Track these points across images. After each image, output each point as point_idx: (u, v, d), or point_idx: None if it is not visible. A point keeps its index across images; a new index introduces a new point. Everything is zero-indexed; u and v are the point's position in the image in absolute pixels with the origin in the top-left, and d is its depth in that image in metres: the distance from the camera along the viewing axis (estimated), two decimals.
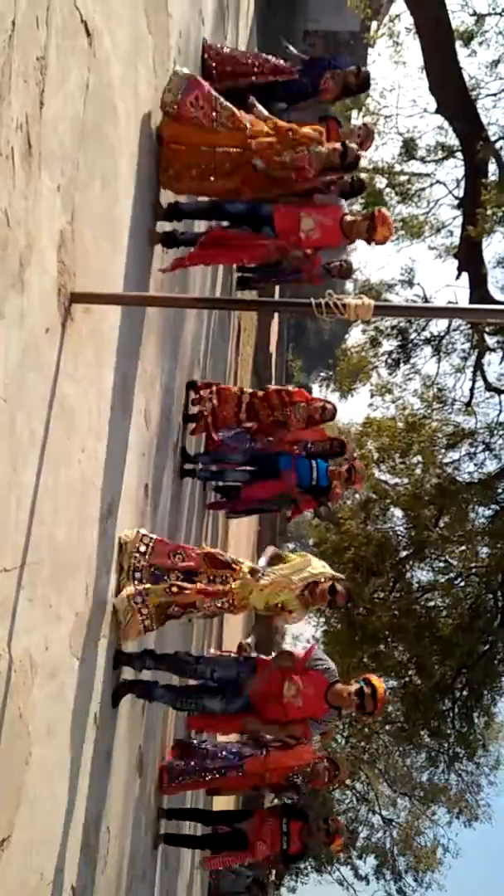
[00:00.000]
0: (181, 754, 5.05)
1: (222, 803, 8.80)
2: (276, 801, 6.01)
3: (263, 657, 4.14)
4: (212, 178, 4.12)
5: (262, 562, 3.82)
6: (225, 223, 4.66)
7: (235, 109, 4.11)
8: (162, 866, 5.56)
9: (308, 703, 3.80)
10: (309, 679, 3.85)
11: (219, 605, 3.64)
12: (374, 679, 3.82)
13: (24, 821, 2.34)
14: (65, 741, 2.76)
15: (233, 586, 3.63)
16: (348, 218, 4.48)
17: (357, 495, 14.21)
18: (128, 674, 3.92)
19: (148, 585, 3.56)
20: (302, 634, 22.45)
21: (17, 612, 2.21)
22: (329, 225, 4.42)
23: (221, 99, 4.07)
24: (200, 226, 5.06)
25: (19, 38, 1.99)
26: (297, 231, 4.38)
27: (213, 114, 4.02)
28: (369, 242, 4.53)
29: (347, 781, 19.17)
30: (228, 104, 4.08)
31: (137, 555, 3.65)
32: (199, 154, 4.05)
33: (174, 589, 3.58)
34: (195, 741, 5.19)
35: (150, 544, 3.72)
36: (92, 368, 2.89)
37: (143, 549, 3.69)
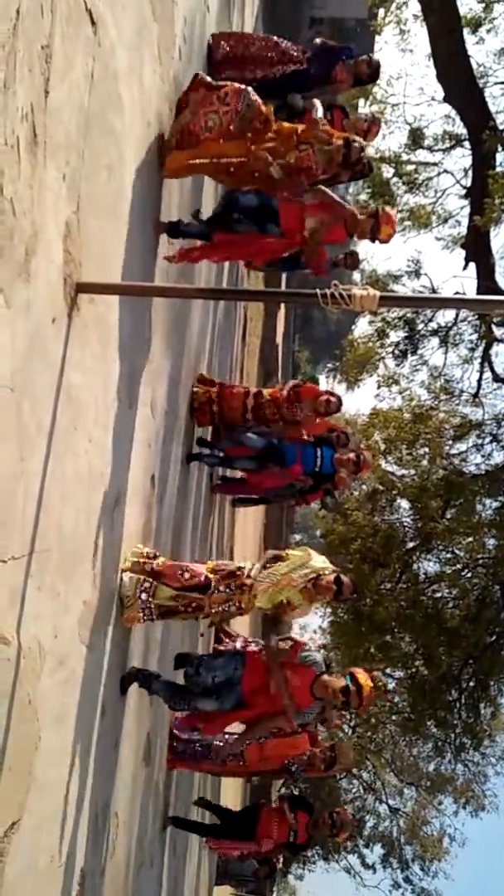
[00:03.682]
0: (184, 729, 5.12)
1: (229, 787, 8.86)
2: (282, 789, 6.05)
3: (252, 650, 4.17)
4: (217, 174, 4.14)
5: (257, 567, 3.82)
6: (234, 215, 4.64)
7: (259, 109, 4.01)
8: (170, 852, 5.62)
9: (294, 694, 3.83)
10: (297, 672, 3.88)
11: (226, 608, 3.69)
12: (361, 676, 3.83)
13: (34, 805, 2.37)
14: (73, 727, 2.79)
15: (238, 591, 3.68)
16: (354, 219, 4.49)
17: (364, 486, 14.22)
18: (135, 661, 3.95)
19: (156, 583, 3.60)
20: (309, 625, 22.52)
21: (26, 600, 2.23)
22: (333, 223, 4.43)
23: (247, 108, 3.96)
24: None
25: (24, 26, 1.99)
26: (302, 230, 4.39)
27: (237, 114, 3.94)
28: (373, 240, 4.54)
29: (354, 771, 19.28)
30: (254, 107, 3.97)
31: (147, 559, 3.70)
32: (203, 166, 4.07)
33: (183, 598, 3.63)
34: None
35: (158, 559, 3.76)
36: (98, 359, 2.90)
37: (152, 556, 3.74)
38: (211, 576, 3.69)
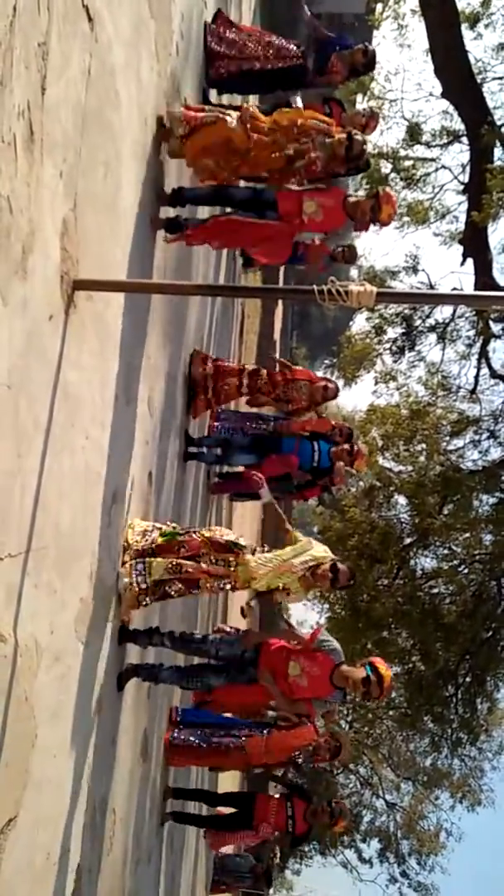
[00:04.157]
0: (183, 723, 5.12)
1: (227, 783, 8.90)
2: (278, 773, 6.09)
3: (268, 640, 4.18)
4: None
5: (258, 554, 3.80)
6: (228, 210, 4.65)
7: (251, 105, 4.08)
8: (167, 847, 5.64)
9: (313, 684, 3.84)
10: (315, 660, 3.88)
11: (220, 585, 3.67)
12: (381, 666, 3.84)
13: (31, 802, 2.37)
14: (70, 724, 2.80)
15: (236, 569, 3.65)
16: (351, 199, 4.46)
17: (361, 482, 14.23)
18: (133, 657, 3.96)
19: (148, 559, 3.57)
20: (306, 621, 22.54)
21: (23, 597, 2.23)
22: (332, 206, 4.40)
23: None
24: (204, 212, 5.05)
25: (21, 23, 1.99)
26: (300, 214, 4.37)
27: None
28: (374, 223, 4.51)
29: (351, 766, 19.35)
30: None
31: (140, 538, 3.68)
32: (212, 151, 4.07)
33: (176, 564, 3.59)
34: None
35: (154, 533, 3.74)
36: (95, 356, 2.90)
37: (147, 532, 3.72)
38: (204, 546, 3.67)
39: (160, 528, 3.78)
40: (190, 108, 4.13)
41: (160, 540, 3.72)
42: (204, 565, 3.61)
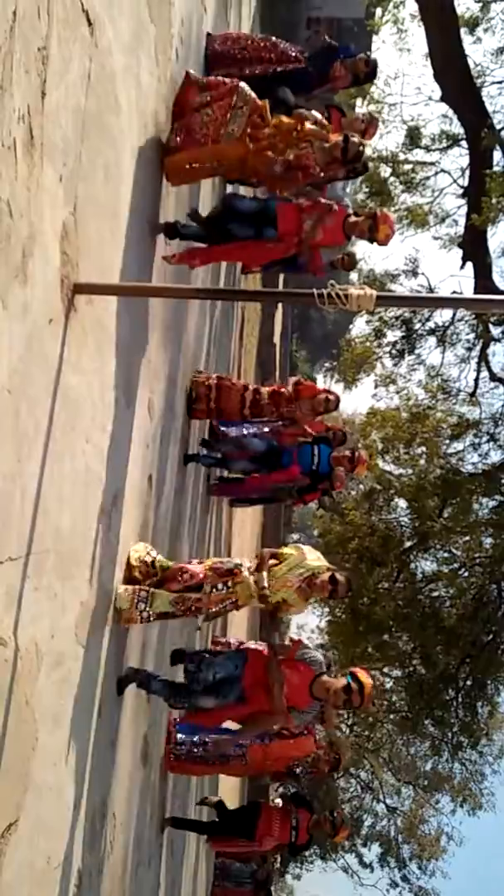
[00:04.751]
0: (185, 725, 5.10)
1: (228, 790, 8.87)
2: (280, 789, 6.08)
3: (253, 647, 4.17)
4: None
5: (256, 576, 3.81)
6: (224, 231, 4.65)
7: (255, 104, 4.01)
8: (167, 853, 5.62)
9: (292, 693, 3.82)
10: (296, 670, 3.87)
11: (223, 608, 3.69)
12: (361, 674, 3.82)
13: (31, 806, 2.37)
14: (70, 728, 2.80)
15: (235, 589, 3.67)
16: (351, 219, 4.50)
17: (361, 486, 14.24)
18: (132, 662, 3.96)
19: (153, 590, 3.59)
20: (306, 624, 22.54)
21: (23, 601, 2.23)
22: (331, 226, 4.44)
23: (242, 103, 3.95)
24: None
25: (21, 28, 1.99)
26: (300, 232, 4.40)
27: (231, 110, 3.95)
28: (371, 242, 4.55)
29: (352, 770, 19.30)
30: (248, 100, 3.97)
31: (143, 564, 3.70)
32: (204, 170, 4.07)
33: (180, 598, 3.62)
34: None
35: (157, 566, 3.76)
36: (95, 359, 2.91)
37: (149, 559, 3.74)
38: (209, 573, 3.69)
39: (160, 560, 3.80)
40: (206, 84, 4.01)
41: (160, 566, 3.74)
42: (207, 588, 3.64)
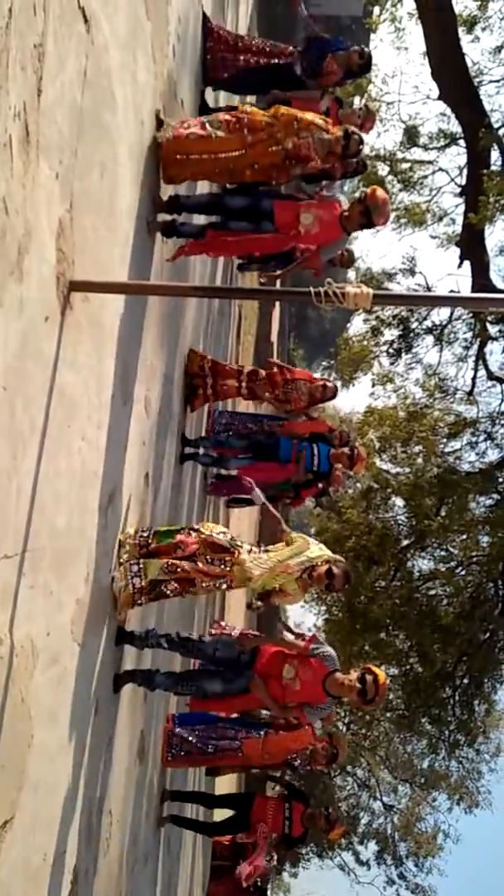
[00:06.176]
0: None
1: (224, 785, 8.87)
2: (275, 774, 6.10)
3: (265, 644, 4.18)
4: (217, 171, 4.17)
5: (255, 553, 3.78)
6: (222, 218, 4.65)
7: (224, 114, 4.10)
8: (164, 850, 5.63)
9: (305, 689, 3.82)
10: (309, 666, 3.87)
11: (217, 584, 3.66)
12: (375, 668, 3.85)
13: (27, 803, 2.37)
14: (66, 725, 2.80)
15: (231, 569, 3.64)
16: (346, 213, 4.48)
17: (358, 484, 14.24)
18: (129, 661, 3.96)
19: (143, 560, 3.56)
20: (303, 623, 22.55)
21: (19, 599, 2.23)
22: (328, 220, 4.42)
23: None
24: (201, 217, 5.05)
25: (16, 25, 1.99)
26: (297, 226, 4.38)
27: (206, 124, 4.02)
28: (370, 226, 4.50)
29: (349, 768, 19.33)
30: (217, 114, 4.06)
31: (135, 541, 3.67)
32: (202, 163, 4.06)
33: (171, 564, 3.57)
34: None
35: (150, 535, 3.74)
36: (91, 357, 2.90)
37: (142, 536, 3.71)
38: (201, 547, 3.65)
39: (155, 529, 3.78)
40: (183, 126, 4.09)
41: (155, 542, 3.72)
42: (200, 564, 3.60)
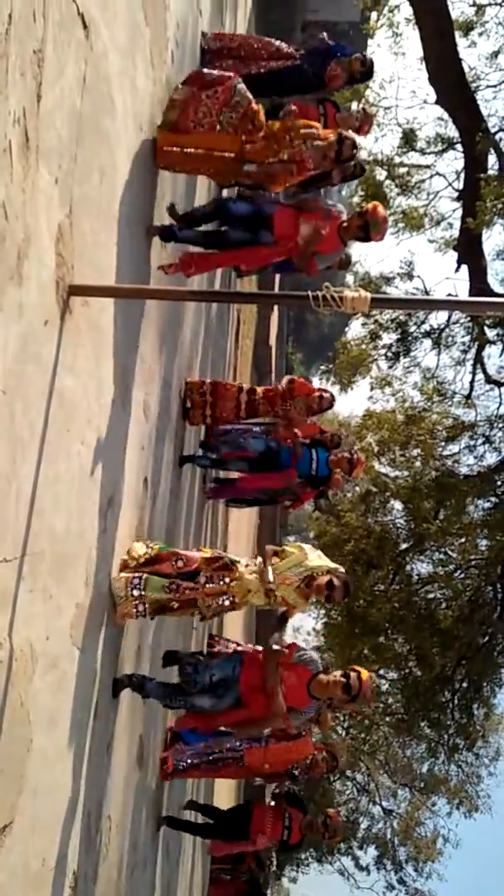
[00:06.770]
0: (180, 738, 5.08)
1: (224, 792, 8.85)
2: (276, 789, 6.07)
3: (250, 651, 4.17)
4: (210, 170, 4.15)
5: (253, 566, 3.79)
6: (222, 224, 4.64)
7: (250, 105, 4.01)
8: (163, 854, 5.61)
9: (290, 694, 3.81)
10: (293, 671, 3.87)
11: (219, 602, 3.67)
12: (359, 668, 3.85)
13: (26, 807, 2.37)
14: (66, 730, 2.80)
15: (232, 585, 3.65)
16: (345, 225, 4.49)
17: (357, 488, 14.25)
18: (128, 667, 3.95)
19: (146, 575, 3.57)
20: (302, 626, 22.52)
21: (18, 603, 2.23)
22: (328, 232, 4.44)
23: (241, 92, 3.95)
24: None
25: (16, 31, 2.00)
26: (296, 237, 4.39)
27: (225, 108, 3.93)
28: (367, 240, 4.53)
29: (348, 773, 19.29)
30: (245, 99, 3.96)
31: (139, 554, 3.69)
32: (196, 158, 4.05)
33: (173, 584, 3.59)
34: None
35: (153, 551, 3.75)
36: (91, 361, 2.91)
37: (145, 551, 3.73)
38: (203, 565, 3.67)
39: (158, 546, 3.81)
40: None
41: (157, 548, 3.73)
42: (202, 579, 3.62)
